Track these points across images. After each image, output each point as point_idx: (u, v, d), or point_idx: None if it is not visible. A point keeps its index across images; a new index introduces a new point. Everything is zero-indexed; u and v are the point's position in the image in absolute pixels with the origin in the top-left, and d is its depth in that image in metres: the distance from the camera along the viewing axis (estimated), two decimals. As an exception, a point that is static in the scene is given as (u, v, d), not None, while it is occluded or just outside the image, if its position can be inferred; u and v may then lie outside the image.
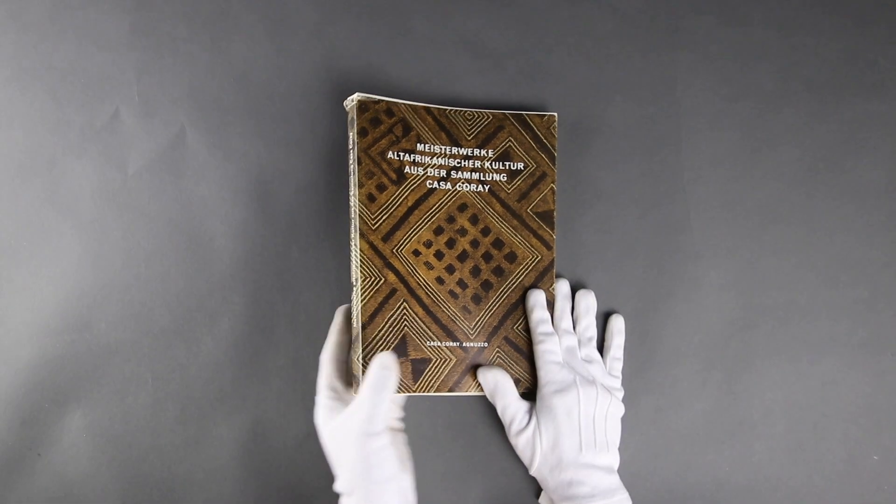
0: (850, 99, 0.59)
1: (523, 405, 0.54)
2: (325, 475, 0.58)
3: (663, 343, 0.59)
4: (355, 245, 0.53)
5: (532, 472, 0.54)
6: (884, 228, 0.59)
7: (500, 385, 0.53)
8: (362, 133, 0.53)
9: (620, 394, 0.56)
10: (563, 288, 0.57)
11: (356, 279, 0.53)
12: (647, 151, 0.60)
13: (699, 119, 0.60)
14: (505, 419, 0.54)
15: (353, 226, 0.53)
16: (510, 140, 0.56)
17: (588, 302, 0.57)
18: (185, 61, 0.59)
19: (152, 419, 0.58)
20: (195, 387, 0.58)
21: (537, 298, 0.55)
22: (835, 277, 0.59)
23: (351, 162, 0.54)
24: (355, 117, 0.53)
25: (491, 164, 0.56)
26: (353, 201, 0.53)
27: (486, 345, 0.54)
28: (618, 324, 0.58)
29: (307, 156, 0.59)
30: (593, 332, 0.57)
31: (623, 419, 0.56)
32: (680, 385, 0.59)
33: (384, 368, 0.49)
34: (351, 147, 0.54)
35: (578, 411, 0.52)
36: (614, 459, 0.54)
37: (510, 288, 0.55)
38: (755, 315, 0.59)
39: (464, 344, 0.54)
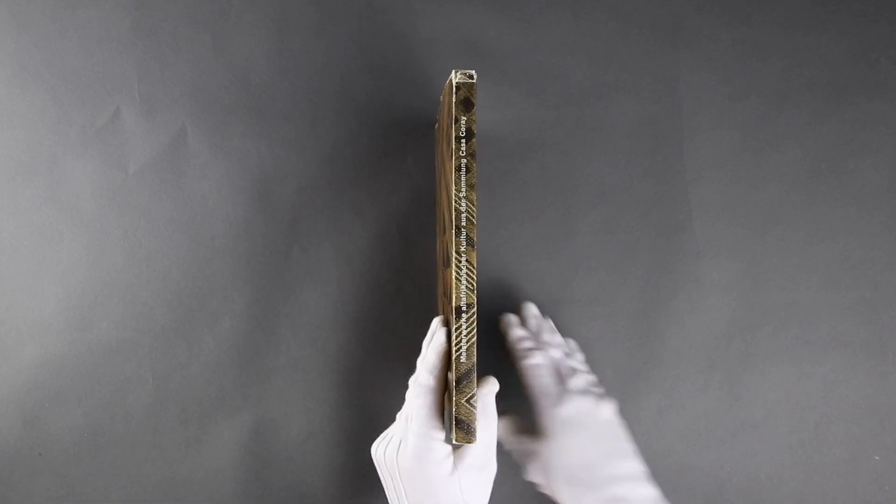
0: (852, 99, 0.59)
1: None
2: (326, 475, 0.58)
3: (665, 343, 0.59)
4: (465, 261, 0.42)
5: None
6: (886, 229, 0.59)
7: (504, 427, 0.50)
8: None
9: (613, 401, 0.52)
10: (533, 309, 0.57)
11: (467, 304, 0.42)
12: (648, 151, 0.59)
13: (701, 119, 0.59)
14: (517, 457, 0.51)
15: (462, 237, 0.42)
16: None
17: (532, 314, 0.56)
18: (186, 60, 0.59)
19: (153, 418, 0.58)
20: (196, 386, 0.58)
21: (510, 319, 0.54)
22: (837, 278, 0.59)
23: (460, 156, 0.42)
24: (470, 97, 0.41)
25: None
26: (463, 205, 0.42)
27: None
28: (572, 344, 0.57)
29: (308, 155, 0.59)
30: (563, 343, 0.55)
31: (624, 420, 0.56)
32: (682, 385, 0.59)
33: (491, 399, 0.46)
34: (460, 136, 0.42)
35: (589, 420, 0.48)
36: (642, 466, 0.49)
37: None
38: (757, 315, 0.59)
39: None
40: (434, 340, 0.46)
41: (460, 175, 0.42)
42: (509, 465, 0.58)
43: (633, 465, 0.48)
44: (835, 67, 0.60)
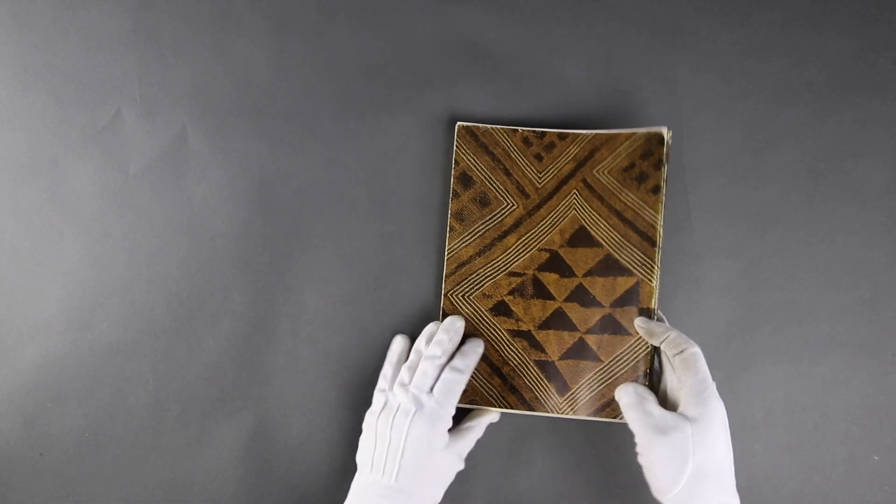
0: (851, 99, 0.59)
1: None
2: (326, 475, 0.58)
3: (664, 343, 0.59)
4: (658, 268, 0.55)
5: (672, 496, 0.47)
6: (885, 229, 0.59)
7: (639, 402, 0.51)
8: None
9: None
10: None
11: (657, 307, 0.55)
12: (647, 152, 0.60)
13: (700, 119, 0.59)
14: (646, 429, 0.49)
15: (657, 253, 0.55)
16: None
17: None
18: (186, 62, 0.59)
19: (153, 419, 0.58)
20: (196, 387, 0.58)
21: (642, 319, 0.55)
22: (836, 278, 0.59)
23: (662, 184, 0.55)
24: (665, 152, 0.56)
25: None
26: (660, 228, 0.55)
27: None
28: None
29: (308, 155, 0.59)
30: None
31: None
32: (681, 385, 0.59)
33: None
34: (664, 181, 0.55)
35: (727, 421, 0.50)
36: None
37: None
38: (756, 316, 0.59)
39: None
40: (475, 345, 0.55)
41: (661, 199, 0.55)
42: (509, 465, 0.59)
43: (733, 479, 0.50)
44: (834, 68, 0.60)
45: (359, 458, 0.53)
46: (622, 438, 0.58)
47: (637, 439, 0.50)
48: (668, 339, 0.51)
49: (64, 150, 0.59)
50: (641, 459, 0.50)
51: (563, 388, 0.55)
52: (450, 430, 0.52)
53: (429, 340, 0.55)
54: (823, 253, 0.59)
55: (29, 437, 0.58)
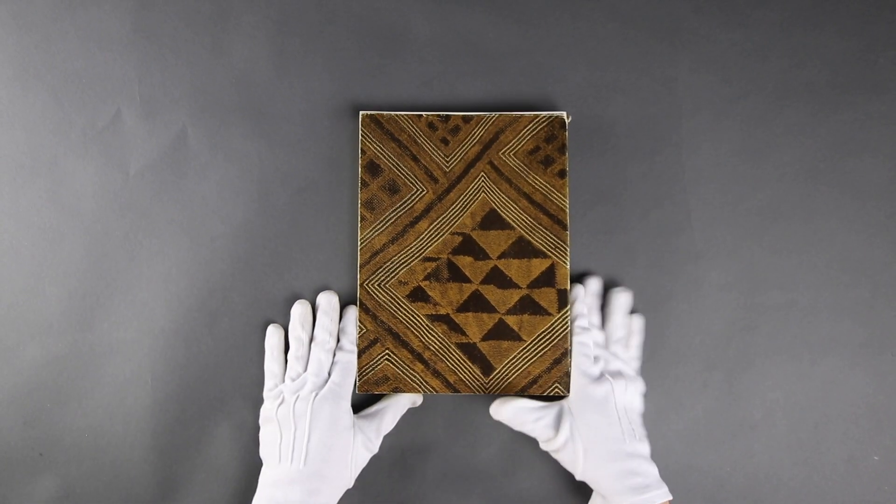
0: (850, 99, 0.59)
1: (549, 413, 0.54)
2: (326, 475, 0.58)
3: (664, 343, 0.59)
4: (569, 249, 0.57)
5: (579, 476, 0.53)
6: (884, 228, 0.59)
7: (518, 415, 0.54)
8: None
9: (643, 387, 0.57)
10: (593, 285, 0.58)
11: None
12: (648, 152, 0.60)
13: (700, 119, 0.60)
14: (536, 434, 0.55)
15: (568, 236, 0.57)
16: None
17: (621, 301, 0.57)
18: (186, 62, 0.59)
19: (153, 419, 0.58)
20: (196, 387, 0.58)
21: (577, 293, 0.57)
22: (836, 277, 0.59)
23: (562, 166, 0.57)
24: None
25: None
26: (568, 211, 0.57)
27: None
28: (638, 323, 0.58)
29: (308, 156, 0.59)
30: (623, 331, 0.57)
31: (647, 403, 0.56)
32: (681, 385, 0.59)
33: None
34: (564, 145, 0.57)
35: (614, 401, 0.53)
36: (649, 448, 0.54)
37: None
38: (756, 315, 0.59)
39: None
40: (349, 315, 0.57)
41: (567, 183, 0.57)
42: (509, 465, 0.58)
43: (644, 447, 0.53)
44: (834, 68, 0.60)
45: (263, 453, 0.54)
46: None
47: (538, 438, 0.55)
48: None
49: (64, 150, 0.59)
50: (545, 448, 0.55)
51: (489, 369, 0.55)
52: (364, 413, 0.55)
53: (303, 323, 0.56)
54: (823, 253, 0.59)
55: (29, 437, 0.58)
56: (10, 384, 0.58)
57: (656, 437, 0.58)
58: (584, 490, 0.58)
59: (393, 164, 0.57)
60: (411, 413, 0.58)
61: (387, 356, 0.56)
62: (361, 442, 0.53)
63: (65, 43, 0.59)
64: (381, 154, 0.57)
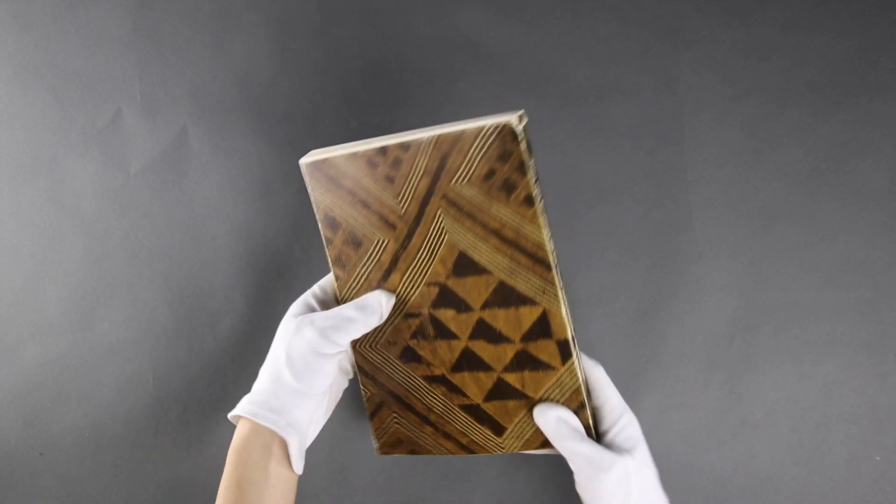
0: (853, 99, 0.59)
1: (597, 452, 0.46)
2: (326, 475, 0.58)
3: (665, 344, 0.59)
4: (563, 296, 0.46)
5: None
6: (887, 229, 0.59)
7: (558, 427, 0.47)
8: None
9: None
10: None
11: (572, 336, 0.47)
12: (649, 151, 0.59)
13: (701, 119, 0.59)
14: (575, 466, 0.47)
15: (555, 276, 0.46)
16: None
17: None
18: (187, 61, 0.59)
19: (154, 419, 0.58)
20: (197, 386, 0.58)
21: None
22: (837, 278, 0.59)
23: (535, 195, 0.44)
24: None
25: None
26: (551, 243, 0.45)
27: None
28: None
29: (309, 156, 0.59)
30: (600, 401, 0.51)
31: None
32: (682, 386, 0.59)
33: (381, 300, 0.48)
34: (533, 177, 0.44)
35: (631, 478, 0.47)
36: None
37: None
38: (757, 316, 0.59)
39: None
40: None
41: (539, 212, 0.44)
42: (509, 465, 0.58)
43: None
44: (835, 67, 0.60)
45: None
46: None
47: (576, 474, 0.47)
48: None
49: (64, 150, 0.59)
50: (580, 491, 0.48)
51: (500, 429, 0.49)
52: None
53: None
54: (825, 253, 0.59)
55: (29, 437, 0.58)
56: (10, 384, 0.58)
57: (657, 438, 0.58)
58: (584, 490, 0.58)
59: (347, 215, 0.48)
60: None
61: (395, 420, 0.51)
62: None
63: (65, 42, 0.59)
64: (334, 205, 0.48)
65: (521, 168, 0.43)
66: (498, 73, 0.60)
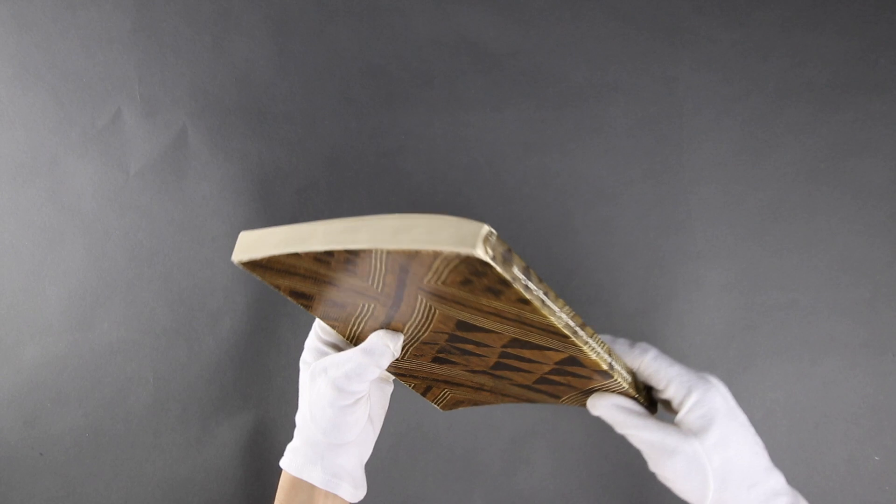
0: (851, 99, 0.59)
1: (660, 429, 0.43)
2: (327, 475, 0.58)
3: (665, 343, 0.59)
4: (591, 339, 0.40)
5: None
6: (885, 228, 0.59)
7: (615, 414, 0.44)
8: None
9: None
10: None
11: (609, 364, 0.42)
12: (648, 151, 0.60)
13: (701, 119, 0.59)
14: (642, 448, 0.44)
15: (579, 339, 0.38)
16: None
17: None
18: (186, 61, 0.59)
19: (154, 419, 0.58)
20: (197, 386, 0.58)
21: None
22: (836, 277, 0.59)
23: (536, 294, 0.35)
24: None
25: None
26: (567, 321, 0.38)
27: None
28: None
29: (308, 156, 0.59)
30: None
31: None
32: (681, 385, 0.59)
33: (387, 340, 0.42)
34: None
35: (737, 411, 0.44)
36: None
37: None
38: (756, 315, 0.59)
39: None
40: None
41: (540, 307, 0.36)
42: (509, 465, 0.58)
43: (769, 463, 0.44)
44: (834, 67, 0.60)
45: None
46: (622, 438, 0.58)
47: (645, 456, 0.44)
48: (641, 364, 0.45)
49: (64, 150, 0.59)
50: (655, 471, 0.44)
51: (555, 398, 0.48)
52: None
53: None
54: (824, 253, 0.59)
55: (29, 437, 0.58)
56: (10, 384, 0.58)
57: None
58: (584, 490, 0.58)
59: (315, 292, 0.41)
60: (412, 413, 0.58)
61: (449, 392, 0.50)
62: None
63: (65, 42, 0.59)
64: (295, 285, 0.40)
65: (503, 282, 0.34)
66: (498, 73, 0.60)
